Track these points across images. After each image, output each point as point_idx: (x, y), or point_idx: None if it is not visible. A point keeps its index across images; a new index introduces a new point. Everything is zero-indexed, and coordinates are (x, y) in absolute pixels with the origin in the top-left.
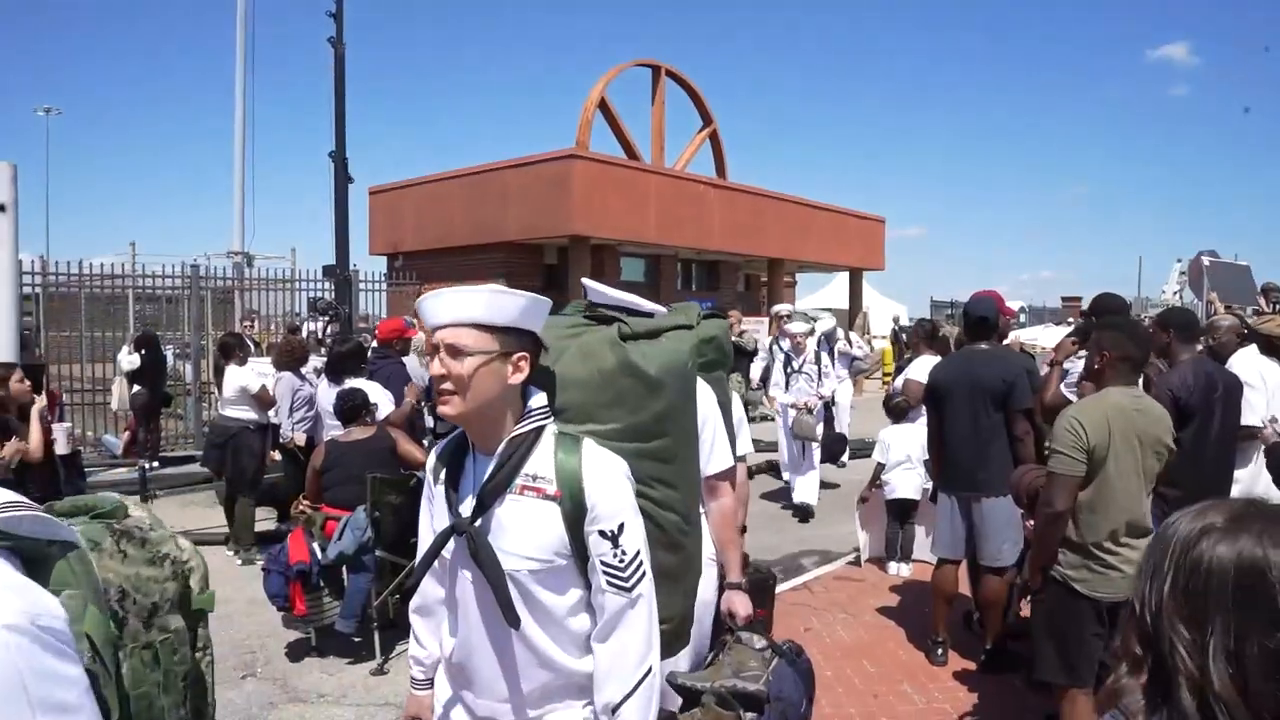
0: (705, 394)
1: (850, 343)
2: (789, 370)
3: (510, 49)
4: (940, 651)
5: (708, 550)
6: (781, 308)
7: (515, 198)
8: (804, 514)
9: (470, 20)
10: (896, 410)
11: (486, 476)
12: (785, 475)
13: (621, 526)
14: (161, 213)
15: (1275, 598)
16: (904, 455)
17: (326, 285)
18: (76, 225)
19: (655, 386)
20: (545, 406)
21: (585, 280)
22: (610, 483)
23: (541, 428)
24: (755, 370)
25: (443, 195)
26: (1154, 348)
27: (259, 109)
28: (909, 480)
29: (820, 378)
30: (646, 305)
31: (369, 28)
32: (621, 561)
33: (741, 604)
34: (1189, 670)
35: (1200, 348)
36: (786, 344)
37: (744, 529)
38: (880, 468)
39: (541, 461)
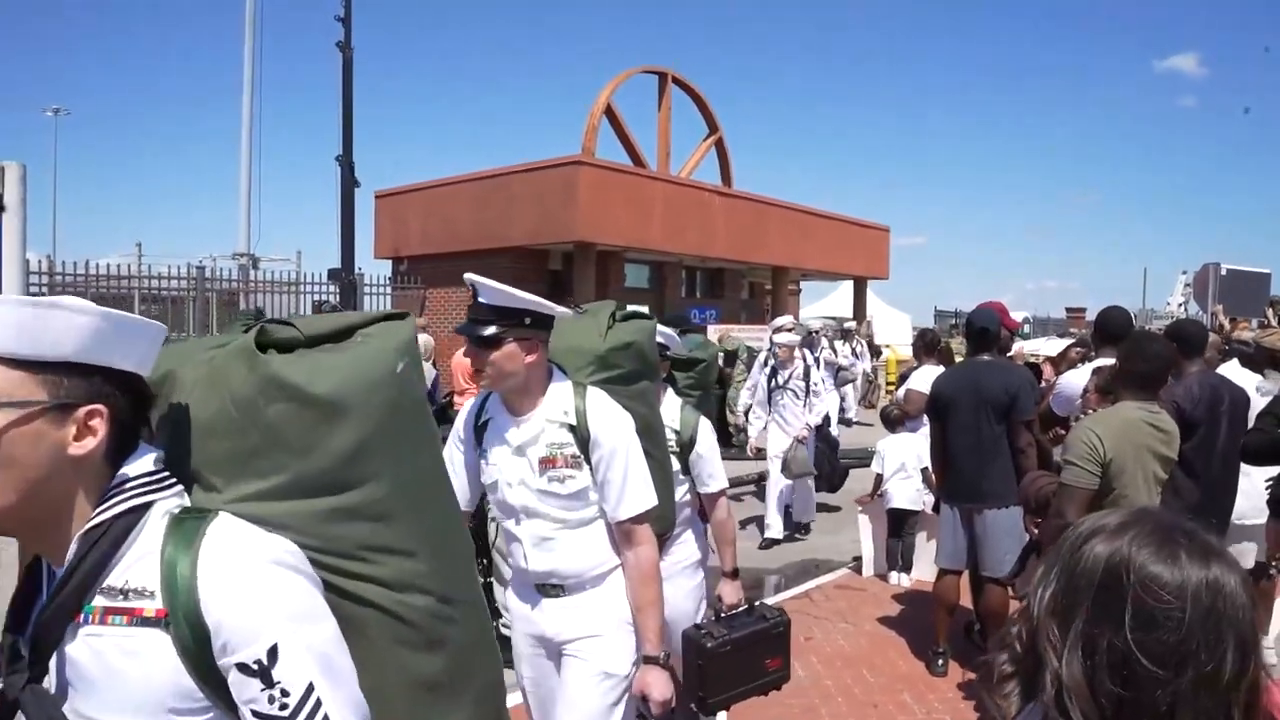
0: (613, 416)
1: (835, 352)
2: (773, 385)
3: (517, 56)
4: (941, 662)
5: (623, 614)
6: (784, 320)
7: (520, 203)
8: (802, 529)
9: (478, 26)
10: (890, 420)
11: (45, 600)
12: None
13: (274, 651)
14: (168, 214)
15: (1126, 599)
16: (899, 465)
17: (331, 288)
18: (83, 226)
19: (331, 410)
20: (151, 474)
21: (469, 276)
22: (245, 584)
23: (142, 508)
24: (744, 396)
25: (448, 200)
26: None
27: (266, 111)
28: (905, 490)
29: (808, 396)
30: (549, 308)
31: (377, 31)
32: (283, 708)
33: (657, 685)
34: (1053, 663)
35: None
36: (773, 356)
37: (735, 572)
38: (879, 478)
39: (138, 565)
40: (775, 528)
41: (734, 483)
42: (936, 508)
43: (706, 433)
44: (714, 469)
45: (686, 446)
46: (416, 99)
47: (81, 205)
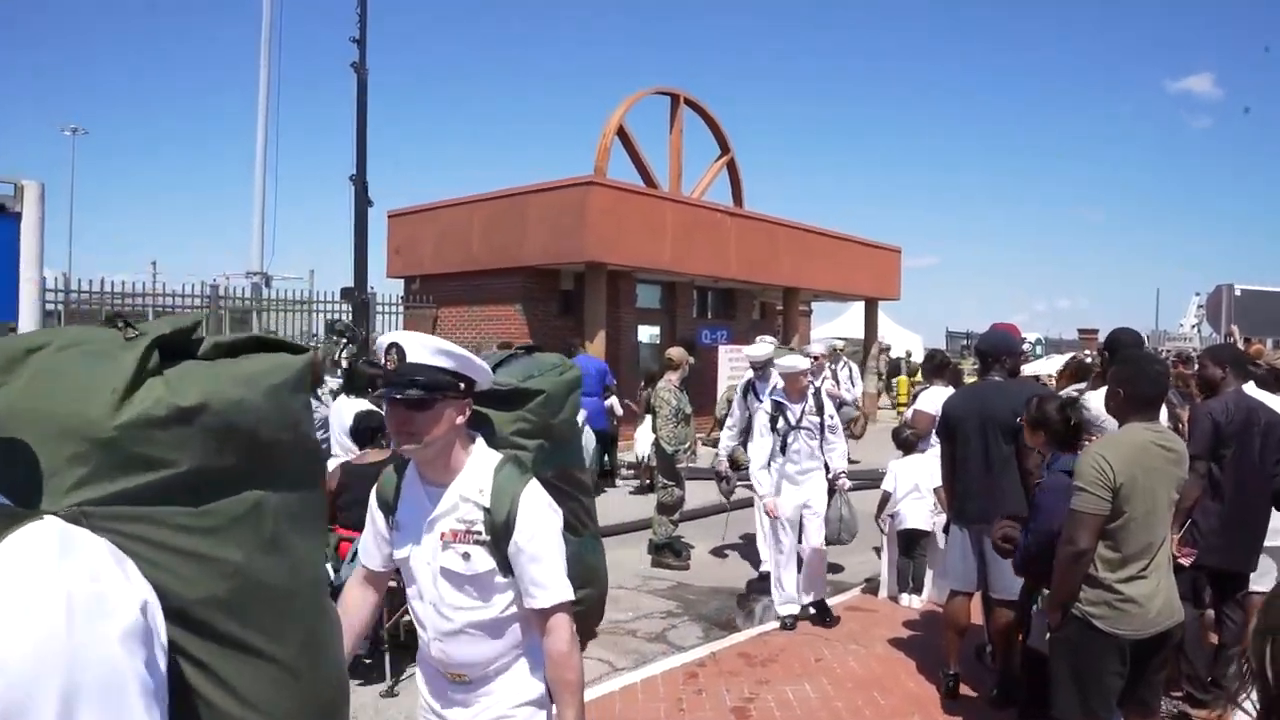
0: (58, 609)
1: (838, 382)
2: (778, 427)
3: (531, 77)
4: (952, 684)
5: None
6: (761, 350)
7: (533, 223)
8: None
9: (492, 48)
10: (906, 444)
11: None
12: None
13: None
14: (182, 232)
15: None
16: (912, 485)
17: (344, 307)
18: (99, 244)
19: None
20: None
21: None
22: None
23: None
24: (725, 438)
25: (460, 219)
26: (1201, 381)
27: (281, 130)
28: (918, 510)
29: (824, 433)
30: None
31: (392, 51)
32: None
33: None
34: None
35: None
36: (775, 391)
37: None
38: (886, 496)
39: None
40: (789, 601)
41: (718, 508)
42: (947, 529)
43: (535, 511)
44: (546, 570)
45: (501, 533)
46: (431, 124)
47: (98, 224)
